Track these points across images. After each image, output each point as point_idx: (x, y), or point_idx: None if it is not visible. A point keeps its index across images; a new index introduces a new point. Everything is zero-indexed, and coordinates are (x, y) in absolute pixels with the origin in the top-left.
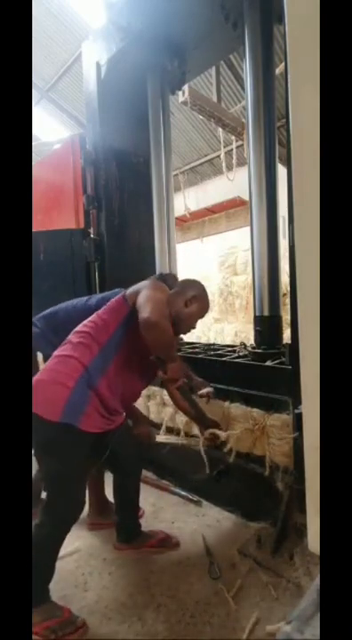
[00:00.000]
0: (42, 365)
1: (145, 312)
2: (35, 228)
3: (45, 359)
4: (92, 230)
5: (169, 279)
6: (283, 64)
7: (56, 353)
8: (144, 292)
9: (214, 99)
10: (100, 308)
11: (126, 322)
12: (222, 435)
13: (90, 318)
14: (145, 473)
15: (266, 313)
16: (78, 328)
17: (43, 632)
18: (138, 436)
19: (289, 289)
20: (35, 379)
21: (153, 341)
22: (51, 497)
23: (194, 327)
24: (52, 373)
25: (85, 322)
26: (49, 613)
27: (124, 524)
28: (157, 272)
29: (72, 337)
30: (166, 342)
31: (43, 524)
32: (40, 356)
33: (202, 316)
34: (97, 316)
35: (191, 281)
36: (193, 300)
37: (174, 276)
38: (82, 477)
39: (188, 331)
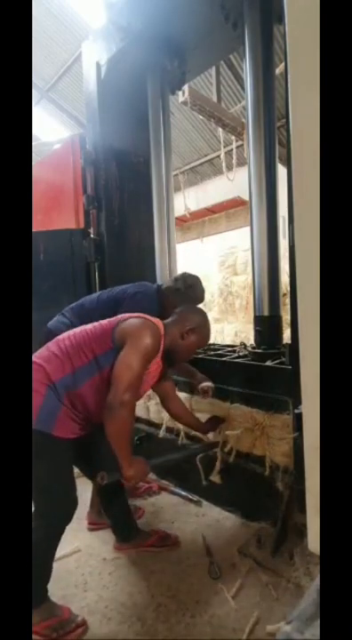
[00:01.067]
0: None
1: (111, 392)
2: (35, 228)
3: None
4: (91, 230)
5: (169, 293)
6: (283, 64)
7: (34, 357)
8: (122, 354)
9: (214, 99)
10: (124, 300)
11: (105, 357)
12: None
13: (79, 330)
14: None
15: (266, 313)
16: (63, 336)
17: (43, 631)
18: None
19: (289, 289)
20: None
21: (109, 429)
22: (38, 502)
23: (189, 358)
24: (35, 374)
25: (73, 332)
26: (49, 613)
27: (117, 525)
28: (157, 272)
29: (52, 344)
30: (121, 435)
31: (36, 529)
32: None
33: (200, 347)
34: (84, 331)
35: (191, 310)
36: (190, 333)
37: (174, 289)
38: (65, 480)
39: (183, 362)
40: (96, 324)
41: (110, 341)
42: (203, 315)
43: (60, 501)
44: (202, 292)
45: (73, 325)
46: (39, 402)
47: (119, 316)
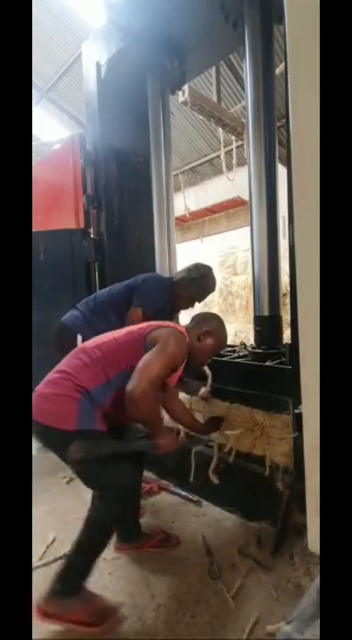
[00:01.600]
0: None
1: (131, 382)
2: (35, 228)
3: (83, 341)
4: (91, 230)
5: (184, 284)
6: (283, 64)
7: (62, 367)
8: (150, 354)
9: (214, 99)
10: (135, 287)
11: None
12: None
13: (107, 338)
14: (145, 473)
15: (266, 313)
16: (92, 344)
17: (85, 618)
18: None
19: (289, 289)
20: (39, 390)
21: (136, 416)
22: (102, 487)
23: (206, 362)
24: (58, 388)
25: (101, 340)
26: (88, 600)
27: (125, 525)
28: (157, 272)
29: (81, 353)
30: (149, 419)
31: (98, 508)
32: (79, 338)
33: (216, 350)
34: (114, 340)
35: (208, 315)
36: (206, 335)
37: (189, 279)
38: (121, 461)
39: (202, 364)
40: (123, 331)
41: (143, 352)
42: (219, 320)
43: (123, 477)
44: (214, 280)
45: (85, 318)
46: (75, 407)
47: (149, 324)
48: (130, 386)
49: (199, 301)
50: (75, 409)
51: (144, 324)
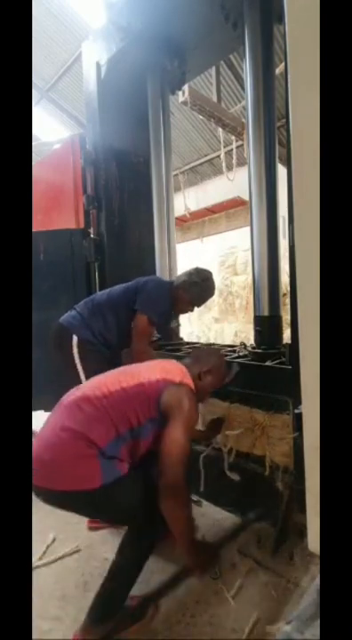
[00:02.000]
0: (75, 348)
1: (164, 473)
2: (35, 228)
3: (80, 343)
4: (91, 230)
5: (185, 287)
6: (283, 64)
7: (66, 422)
8: (172, 430)
9: (214, 99)
10: (136, 289)
11: (152, 423)
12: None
13: (111, 381)
14: None
15: (266, 313)
16: (97, 393)
17: (130, 623)
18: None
19: (289, 289)
20: (47, 455)
21: (167, 515)
22: (132, 524)
23: (206, 399)
24: (71, 449)
25: (104, 384)
26: (126, 610)
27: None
28: (157, 272)
29: (85, 403)
30: (180, 521)
31: (131, 548)
32: (75, 338)
33: (217, 387)
34: (122, 390)
35: (208, 351)
36: (207, 373)
37: (191, 283)
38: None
39: (202, 401)
40: (132, 380)
41: (155, 410)
42: (219, 355)
43: (153, 515)
44: (214, 285)
45: (82, 319)
46: (96, 465)
47: (161, 377)
48: (164, 478)
49: (198, 306)
50: (96, 467)
51: (155, 374)
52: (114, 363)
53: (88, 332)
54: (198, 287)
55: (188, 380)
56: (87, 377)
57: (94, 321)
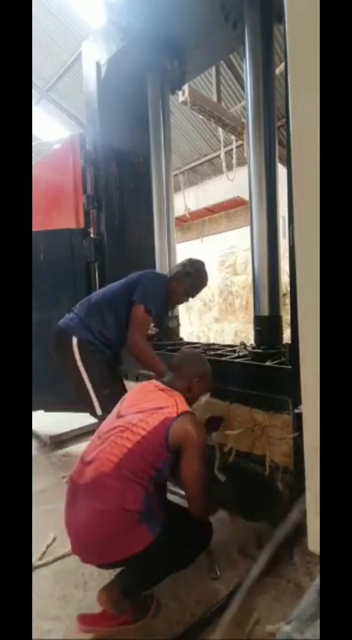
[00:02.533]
0: (76, 349)
1: (194, 508)
2: (35, 228)
3: (80, 344)
4: (91, 230)
5: (179, 278)
6: (283, 64)
7: (96, 503)
8: (190, 466)
9: (214, 99)
10: (137, 287)
11: (164, 467)
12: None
13: (118, 447)
14: None
15: (266, 313)
16: (110, 465)
17: (130, 617)
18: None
19: (289, 289)
20: (97, 537)
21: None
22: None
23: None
24: (113, 525)
25: (114, 450)
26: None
27: None
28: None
29: (109, 479)
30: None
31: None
32: (74, 340)
33: (204, 393)
34: (130, 452)
35: (192, 359)
36: (197, 385)
37: (185, 273)
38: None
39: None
40: (127, 431)
41: (166, 452)
42: (202, 361)
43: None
44: (207, 275)
45: (80, 319)
46: (142, 528)
47: (161, 421)
48: (194, 508)
49: (193, 296)
50: (143, 529)
51: (151, 417)
52: (114, 362)
53: (88, 333)
54: (192, 277)
55: (183, 405)
56: (90, 378)
57: (92, 321)
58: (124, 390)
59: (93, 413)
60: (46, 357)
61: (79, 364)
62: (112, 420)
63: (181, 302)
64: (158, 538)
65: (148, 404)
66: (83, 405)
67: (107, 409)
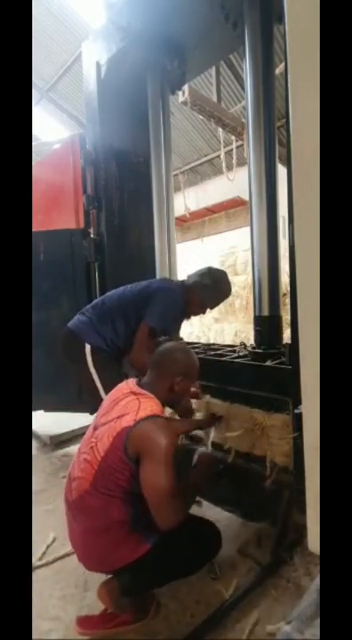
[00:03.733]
0: (89, 357)
1: (159, 521)
2: (35, 228)
3: (93, 350)
4: (91, 230)
5: (196, 289)
6: (283, 64)
7: (88, 523)
8: (147, 474)
9: (214, 99)
10: (148, 303)
11: (134, 479)
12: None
13: (86, 463)
14: None
15: (266, 313)
16: (87, 481)
17: (130, 618)
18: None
19: (289, 289)
20: (93, 552)
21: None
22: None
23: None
24: (105, 541)
25: (83, 469)
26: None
27: None
28: (157, 272)
29: (89, 498)
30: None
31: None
32: (88, 347)
33: (191, 387)
34: (97, 470)
35: (172, 353)
36: (181, 382)
37: (202, 286)
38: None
39: (180, 402)
40: (94, 450)
41: (129, 464)
42: (186, 356)
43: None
44: (229, 286)
45: (92, 324)
46: (135, 536)
47: (118, 433)
48: (159, 524)
49: (211, 308)
50: (136, 537)
51: (109, 430)
52: (121, 368)
53: (100, 339)
54: (209, 290)
55: (145, 409)
56: (104, 387)
57: (104, 328)
58: None
59: None
60: (46, 357)
61: (92, 371)
62: (89, 431)
63: (198, 314)
64: (161, 544)
65: (114, 414)
66: (92, 409)
67: None
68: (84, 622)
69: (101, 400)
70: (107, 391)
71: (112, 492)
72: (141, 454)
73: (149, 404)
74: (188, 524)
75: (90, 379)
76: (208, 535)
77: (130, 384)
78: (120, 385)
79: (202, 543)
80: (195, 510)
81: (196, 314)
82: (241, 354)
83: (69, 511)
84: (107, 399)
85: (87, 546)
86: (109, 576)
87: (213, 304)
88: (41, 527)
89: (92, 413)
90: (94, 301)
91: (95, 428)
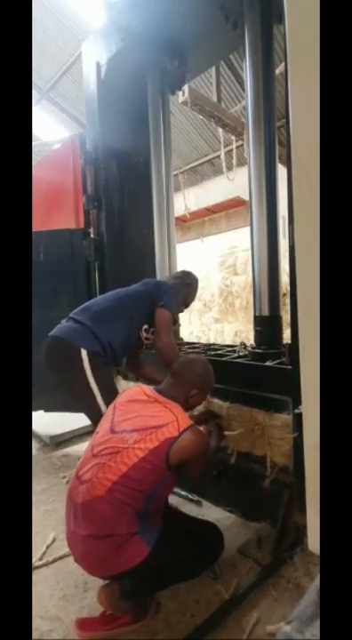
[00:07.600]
0: (86, 363)
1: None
2: (35, 228)
3: (90, 356)
4: (91, 230)
5: (180, 289)
6: (283, 64)
7: (92, 530)
8: (198, 467)
9: (214, 99)
10: (160, 294)
11: (161, 486)
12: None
13: (107, 468)
14: None
15: (266, 313)
16: (102, 488)
17: (131, 618)
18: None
19: (289, 289)
20: (91, 558)
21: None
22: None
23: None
24: (105, 550)
25: (103, 477)
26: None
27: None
28: (157, 272)
29: (101, 504)
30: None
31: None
32: (84, 353)
33: (202, 401)
34: (123, 475)
35: (196, 365)
36: (195, 396)
37: (185, 284)
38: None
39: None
40: (123, 455)
41: (167, 471)
42: (206, 372)
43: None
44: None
45: (87, 327)
46: (136, 543)
47: (161, 443)
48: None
49: (188, 306)
50: (138, 543)
51: (150, 437)
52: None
53: (97, 344)
54: (190, 289)
55: (184, 420)
56: (102, 395)
57: (102, 331)
58: None
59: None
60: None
61: (90, 379)
62: (105, 433)
63: (182, 311)
64: (163, 547)
65: (145, 421)
66: (89, 419)
67: None
68: (84, 625)
69: (97, 406)
70: (103, 397)
71: (130, 500)
72: (190, 460)
73: (183, 415)
74: (190, 526)
75: (84, 385)
76: (210, 538)
77: (145, 389)
78: (132, 390)
79: (204, 546)
80: (195, 511)
81: (181, 311)
82: (241, 354)
83: (73, 512)
84: (123, 399)
85: (87, 551)
86: (107, 581)
87: (191, 302)
88: (41, 527)
89: (90, 419)
90: (82, 306)
91: (114, 431)
